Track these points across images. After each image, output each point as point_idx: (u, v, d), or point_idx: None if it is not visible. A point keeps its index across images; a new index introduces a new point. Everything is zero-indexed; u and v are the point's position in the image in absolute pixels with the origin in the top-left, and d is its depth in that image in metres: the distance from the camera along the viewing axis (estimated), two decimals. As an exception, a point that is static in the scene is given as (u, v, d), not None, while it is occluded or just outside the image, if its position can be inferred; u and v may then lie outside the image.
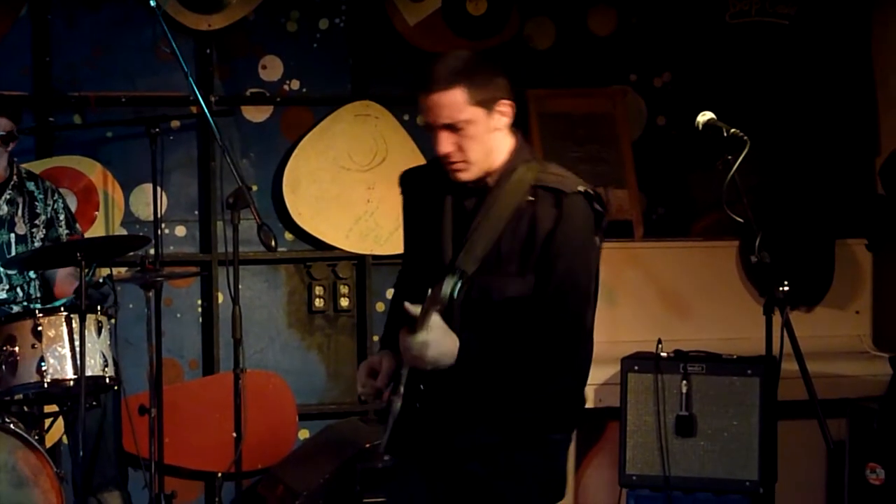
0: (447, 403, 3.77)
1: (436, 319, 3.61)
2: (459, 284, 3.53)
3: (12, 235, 5.84)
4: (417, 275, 3.79)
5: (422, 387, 3.72)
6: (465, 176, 3.77)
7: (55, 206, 5.95)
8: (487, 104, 3.72)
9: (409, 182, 4.04)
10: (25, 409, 5.47)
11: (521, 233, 3.74)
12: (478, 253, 3.72)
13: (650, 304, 6.51)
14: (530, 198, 3.74)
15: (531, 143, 6.78)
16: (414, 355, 3.62)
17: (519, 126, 3.87)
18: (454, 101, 3.68)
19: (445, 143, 3.73)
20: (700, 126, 4.33)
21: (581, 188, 3.75)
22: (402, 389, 3.75)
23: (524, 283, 3.74)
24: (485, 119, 3.73)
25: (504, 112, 3.76)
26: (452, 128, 3.71)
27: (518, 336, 3.73)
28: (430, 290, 3.58)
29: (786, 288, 4.13)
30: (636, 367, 6.00)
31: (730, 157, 4.12)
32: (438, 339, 3.62)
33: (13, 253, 5.77)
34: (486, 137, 3.75)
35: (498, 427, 3.76)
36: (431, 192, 3.89)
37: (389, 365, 3.84)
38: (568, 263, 3.73)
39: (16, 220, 5.86)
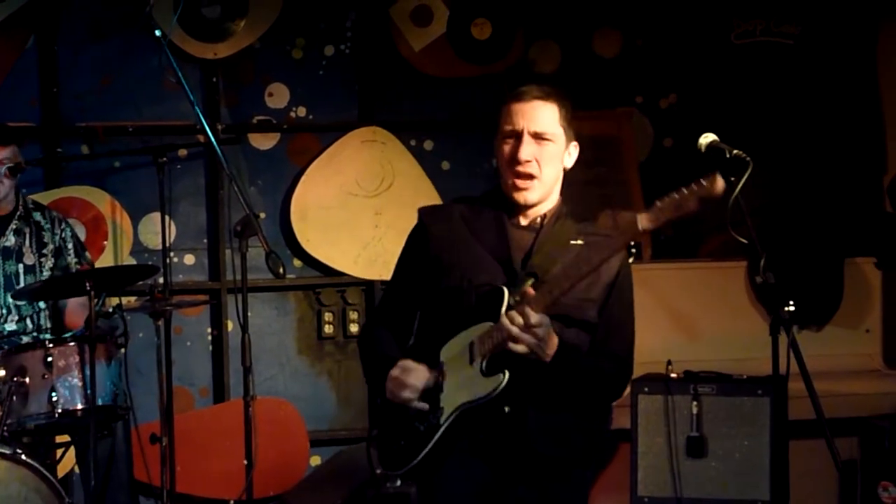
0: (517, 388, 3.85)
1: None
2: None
3: (20, 266, 5.85)
4: (454, 300, 3.97)
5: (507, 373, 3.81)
6: (530, 196, 3.90)
7: (63, 234, 5.96)
8: (568, 133, 3.92)
9: (433, 217, 4.12)
10: (37, 439, 5.47)
11: (582, 276, 3.79)
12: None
13: (659, 325, 6.52)
14: (580, 241, 3.89)
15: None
16: (539, 335, 3.73)
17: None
18: (549, 114, 3.89)
19: (528, 150, 3.85)
20: (703, 148, 4.32)
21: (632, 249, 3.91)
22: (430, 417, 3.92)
23: (585, 324, 3.92)
24: (563, 145, 3.91)
25: (572, 153, 3.95)
26: (539, 137, 3.85)
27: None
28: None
29: (791, 308, 4.12)
30: (646, 389, 5.99)
31: (733, 179, 4.11)
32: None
33: (22, 283, 5.78)
34: (558, 164, 3.93)
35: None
36: (461, 227, 4.00)
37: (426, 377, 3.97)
38: (627, 325, 4.00)
39: (24, 250, 5.87)
